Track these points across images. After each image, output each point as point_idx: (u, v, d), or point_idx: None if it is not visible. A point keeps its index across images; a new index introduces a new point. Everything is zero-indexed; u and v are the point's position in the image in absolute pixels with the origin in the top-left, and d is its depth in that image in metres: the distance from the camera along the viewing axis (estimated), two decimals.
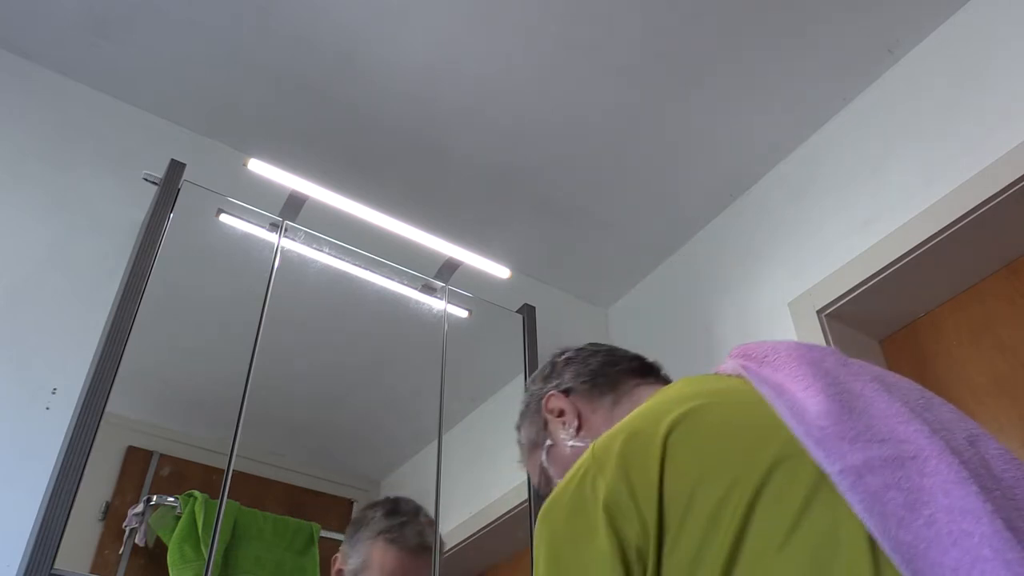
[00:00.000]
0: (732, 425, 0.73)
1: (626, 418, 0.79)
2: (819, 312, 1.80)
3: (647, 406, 0.80)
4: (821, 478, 0.64)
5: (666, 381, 1.05)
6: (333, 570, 1.43)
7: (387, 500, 1.50)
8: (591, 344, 1.11)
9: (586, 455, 0.76)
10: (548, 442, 1.03)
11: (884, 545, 0.58)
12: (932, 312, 1.76)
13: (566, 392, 1.03)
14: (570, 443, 0.99)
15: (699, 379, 0.87)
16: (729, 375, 0.85)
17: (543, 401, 1.05)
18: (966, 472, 0.61)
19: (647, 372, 1.05)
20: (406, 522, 1.43)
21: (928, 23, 1.77)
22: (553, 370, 1.08)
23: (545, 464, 1.03)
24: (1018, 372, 1.55)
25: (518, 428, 1.11)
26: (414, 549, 1.42)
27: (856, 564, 0.58)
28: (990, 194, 1.53)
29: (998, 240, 1.60)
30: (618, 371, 1.04)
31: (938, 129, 1.70)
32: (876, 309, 1.77)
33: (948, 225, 1.59)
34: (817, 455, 0.65)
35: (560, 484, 0.77)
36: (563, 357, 1.09)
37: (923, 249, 1.64)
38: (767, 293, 1.99)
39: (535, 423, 1.06)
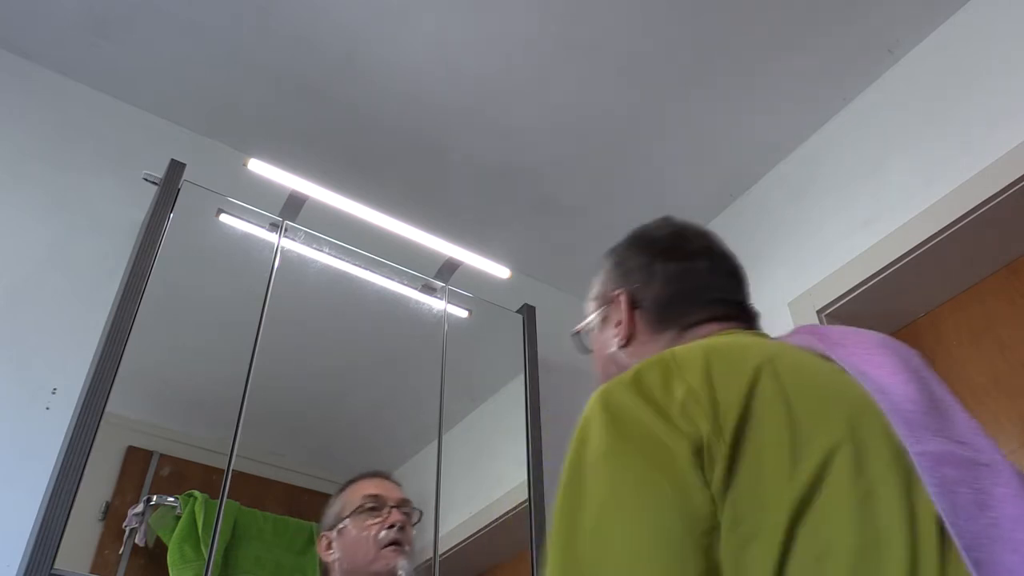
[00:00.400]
0: (815, 381, 0.72)
1: (702, 345, 0.76)
2: (819, 312, 1.80)
3: (727, 342, 0.77)
4: (900, 453, 0.65)
5: (753, 327, 0.95)
6: (320, 548, 1.47)
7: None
8: (694, 240, 0.99)
9: (663, 356, 0.74)
10: (599, 320, 0.99)
11: (951, 530, 0.60)
12: (932, 312, 1.76)
13: (634, 304, 0.94)
14: (612, 348, 0.95)
15: (764, 339, 0.86)
16: (797, 346, 0.82)
17: (616, 294, 0.97)
18: None
19: (733, 318, 0.93)
20: (370, 472, 1.55)
21: (928, 23, 1.77)
22: (641, 270, 0.96)
23: (591, 333, 1.01)
24: (1018, 372, 1.55)
25: (599, 277, 1.04)
26: (376, 473, 1.54)
27: (926, 541, 0.60)
28: (990, 194, 1.53)
29: (998, 240, 1.60)
30: (700, 307, 0.92)
31: (938, 129, 1.70)
32: (876, 309, 1.77)
33: (948, 225, 1.59)
34: (901, 431, 0.66)
35: (630, 371, 0.74)
36: (663, 266, 0.96)
37: (923, 249, 1.64)
38: (767, 293, 1.99)
39: (600, 298, 1.00)
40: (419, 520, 1.53)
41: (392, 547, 1.41)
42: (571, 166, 2.09)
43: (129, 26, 1.77)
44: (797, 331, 0.87)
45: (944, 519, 0.60)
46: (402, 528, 1.44)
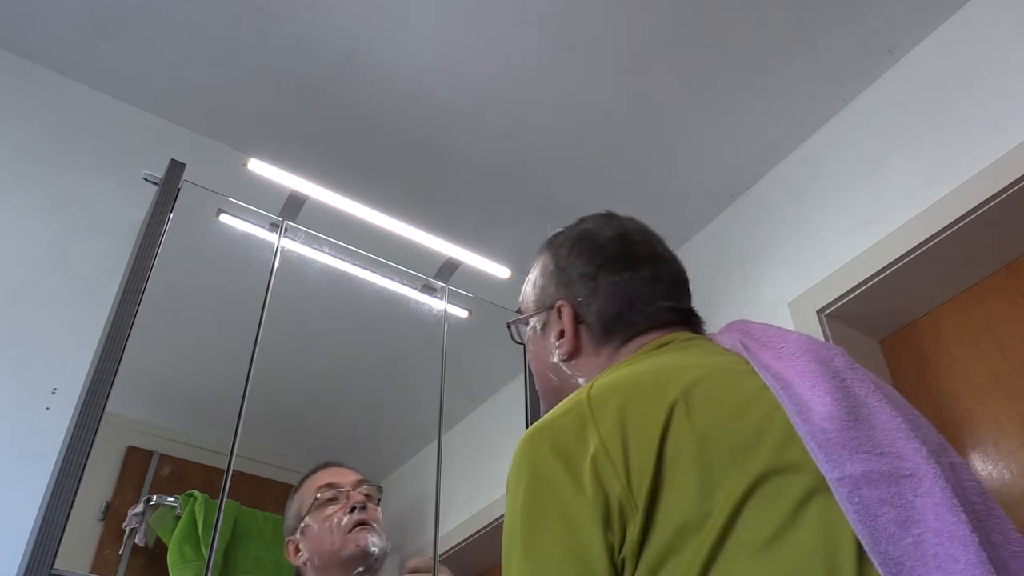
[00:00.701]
0: (733, 408, 0.71)
1: (625, 376, 0.76)
2: (819, 312, 1.80)
3: (649, 370, 0.77)
4: (819, 480, 0.64)
5: (697, 331, 0.95)
6: (289, 551, 1.46)
7: None
8: (638, 244, 0.97)
9: (580, 398, 0.74)
10: (538, 327, 0.97)
11: (873, 559, 0.59)
12: (932, 312, 1.76)
13: (579, 318, 0.93)
14: (554, 359, 0.93)
15: (695, 350, 0.85)
16: (727, 350, 0.83)
17: (557, 303, 0.95)
18: (956, 500, 0.62)
19: (675, 324, 0.93)
20: (320, 464, 1.54)
21: (928, 23, 1.77)
22: (583, 283, 0.94)
23: (528, 332, 0.99)
24: (1018, 372, 1.55)
25: (531, 282, 1.03)
26: (328, 463, 1.53)
27: (845, 568, 0.59)
28: (990, 194, 1.53)
29: (998, 240, 1.60)
30: (643, 317, 0.91)
31: (938, 129, 1.70)
32: (876, 309, 1.77)
33: (948, 225, 1.59)
34: (818, 458, 0.65)
35: (549, 416, 0.75)
36: (604, 272, 0.94)
37: (923, 249, 1.64)
38: (767, 293, 1.99)
39: (540, 302, 0.98)
40: (380, 495, 1.51)
41: (358, 527, 1.39)
42: (571, 166, 2.09)
43: (129, 26, 1.77)
44: (727, 329, 0.87)
45: (865, 546, 0.59)
46: (364, 507, 1.42)
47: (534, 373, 0.99)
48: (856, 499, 0.61)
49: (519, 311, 1.04)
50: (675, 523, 0.63)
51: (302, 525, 1.43)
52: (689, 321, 0.95)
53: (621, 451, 0.67)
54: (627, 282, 0.93)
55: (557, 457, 0.70)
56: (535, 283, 1.01)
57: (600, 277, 0.94)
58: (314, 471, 1.52)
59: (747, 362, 0.77)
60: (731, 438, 0.68)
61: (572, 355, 0.92)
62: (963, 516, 0.60)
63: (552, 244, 1.03)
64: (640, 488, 0.65)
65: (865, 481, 0.62)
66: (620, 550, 0.64)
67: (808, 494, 0.63)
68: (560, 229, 1.05)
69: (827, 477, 0.63)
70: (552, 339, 0.94)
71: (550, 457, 0.70)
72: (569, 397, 0.76)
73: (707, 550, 0.61)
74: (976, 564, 0.56)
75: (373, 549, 1.38)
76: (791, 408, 0.69)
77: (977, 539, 0.58)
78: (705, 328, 0.97)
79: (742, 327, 0.86)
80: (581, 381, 0.91)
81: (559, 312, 0.94)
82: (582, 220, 1.04)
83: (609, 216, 1.03)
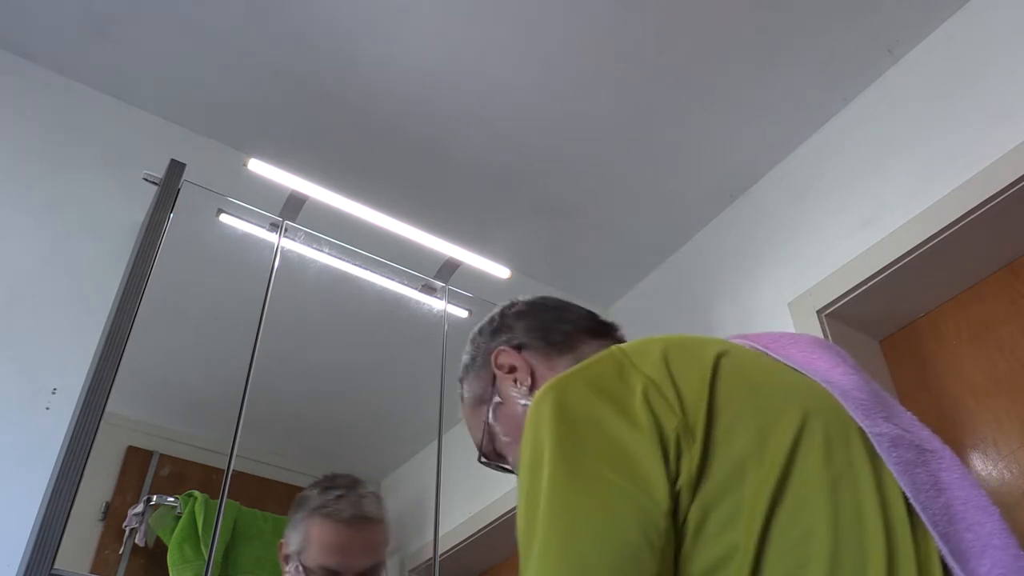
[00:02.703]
0: (771, 369, 0.73)
1: (654, 337, 0.76)
2: (819, 312, 1.80)
3: (671, 336, 0.77)
4: (860, 433, 0.67)
5: (621, 341, 0.96)
6: (280, 556, 1.37)
7: (325, 477, 1.43)
8: (540, 297, 1.02)
9: (608, 352, 0.73)
10: (496, 399, 0.94)
11: (917, 507, 0.62)
12: (932, 312, 1.76)
13: (518, 348, 0.94)
14: (522, 401, 0.91)
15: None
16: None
17: (492, 356, 0.95)
18: (972, 478, 0.66)
19: (603, 331, 0.96)
20: (341, 495, 1.36)
21: (928, 23, 1.77)
22: (502, 323, 0.98)
23: (491, 422, 0.95)
24: (1018, 372, 1.55)
25: (460, 381, 1.02)
26: (348, 520, 1.34)
27: (898, 513, 0.62)
28: (990, 194, 1.53)
29: (998, 240, 1.60)
30: (573, 328, 0.95)
31: (938, 129, 1.70)
32: (876, 309, 1.77)
33: (948, 225, 1.59)
34: (856, 415, 0.68)
35: (576, 367, 0.73)
36: (513, 310, 0.99)
37: (923, 249, 1.64)
38: (767, 293, 1.99)
39: (481, 378, 0.97)
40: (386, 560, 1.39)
41: None
42: (571, 166, 2.09)
43: (129, 26, 1.77)
44: (732, 338, 0.87)
45: (910, 497, 0.63)
46: None
47: (519, 445, 0.94)
48: (895, 453, 0.65)
49: (480, 443, 1.00)
50: (733, 459, 0.63)
51: (291, 567, 1.34)
52: (615, 334, 0.97)
53: (672, 386, 0.67)
54: (530, 312, 0.98)
55: (599, 396, 0.68)
56: (469, 374, 1.00)
57: (507, 323, 0.98)
58: (332, 515, 1.35)
59: (764, 352, 0.79)
60: (778, 390, 0.69)
61: (534, 380, 0.91)
62: (983, 492, 0.65)
63: (462, 369, 1.03)
64: (697, 419, 0.64)
65: (899, 443, 0.66)
66: (676, 482, 0.62)
67: (858, 445, 0.66)
68: None
69: (867, 430, 0.66)
70: (510, 389, 0.93)
71: (590, 396, 0.68)
72: (590, 357, 0.75)
73: (772, 487, 0.61)
74: (1002, 530, 0.61)
75: None
76: (819, 377, 0.72)
77: (998, 511, 0.63)
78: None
79: (741, 336, 0.87)
80: None
81: (496, 365, 0.94)
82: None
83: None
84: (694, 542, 0.61)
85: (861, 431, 0.67)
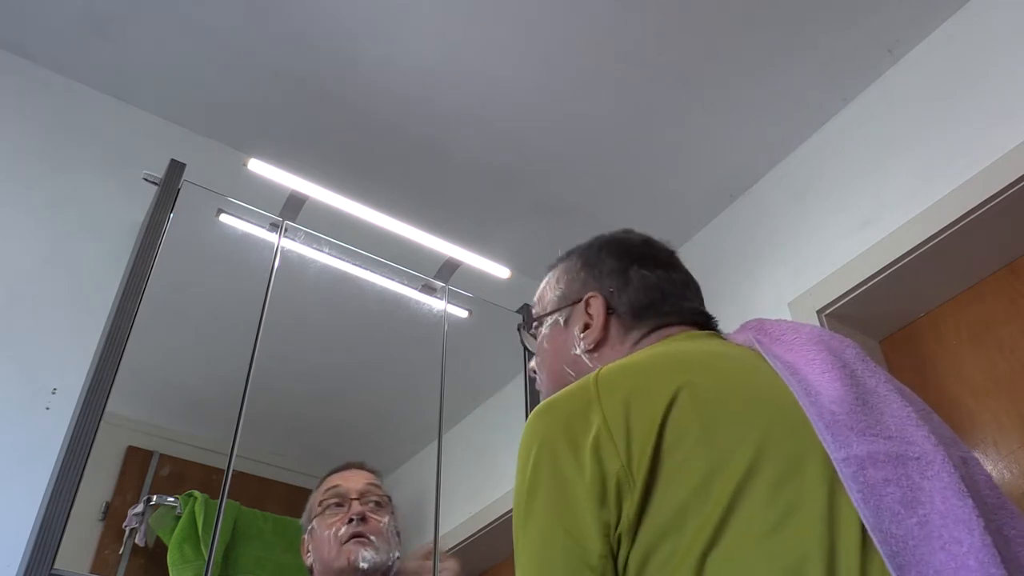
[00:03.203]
0: (741, 394, 0.72)
1: (635, 360, 0.78)
2: (819, 312, 1.80)
3: (659, 355, 0.78)
4: (826, 463, 0.65)
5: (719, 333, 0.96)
6: (303, 556, 1.45)
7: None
8: (663, 251, 0.99)
9: (588, 381, 0.75)
10: (560, 320, 0.96)
11: (875, 537, 0.59)
12: (932, 312, 1.76)
13: (609, 309, 0.93)
14: (574, 350, 0.93)
15: (708, 341, 0.87)
16: (739, 344, 0.84)
17: (587, 296, 0.94)
18: (964, 486, 0.62)
19: (693, 324, 0.93)
20: (340, 465, 1.53)
21: (928, 23, 1.77)
22: (620, 267, 0.95)
23: (545, 331, 0.98)
24: (1018, 372, 1.55)
25: (550, 268, 1.02)
26: (344, 467, 1.51)
27: (847, 551, 0.59)
28: (990, 194, 1.53)
29: (998, 240, 1.60)
30: (667, 313, 0.92)
31: (938, 129, 1.70)
32: (876, 309, 1.77)
33: (948, 225, 1.59)
34: (824, 438, 0.66)
35: (558, 395, 0.76)
36: (640, 268, 0.95)
37: (923, 249, 1.63)
38: (767, 293, 1.99)
39: (565, 298, 0.97)
40: (390, 503, 1.49)
41: (353, 540, 1.38)
42: (571, 166, 2.09)
43: (129, 26, 1.77)
44: (742, 328, 0.88)
45: (867, 525, 0.60)
46: (363, 519, 1.41)
47: (546, 373, 0.97)
48: (861, 478, 0.62)
49: (525, 317, 1.04)
50: (675, 503, 0.64)
51: (310, 527, 1.44)
52: (706, 324, 0.95)
53: (623, 430, 0.68)
54: (659, 278, 0.95)
55: (562, 435, 0.71)
56: (556, 283, 1.01)
57: (632, 271, 0.95)
58: (332, 472, 1.51)
59: (759, 355, 0.79)
60: (736, 423, 0.68)
61: (597, 346, 0.92)
62: (969, 502, 0.60)
63: (575, 249, 1.03)
64: (640, 466, 0.66)
65: (871, 462, 0.63)
66: (616, 527, 0.65)
67: (814, 477, 0.64)
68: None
69: (832, 457, 0.64)
70: (576, 332, 0.94)
71: (556, 434, 0.72)
72: (579, 380, 0.77)
73: (709, 531, 0.61)
74: (981, 548, 0.57)
75: (363, 564, 1.36)
76: (799, 391, 0.70)
77: (983, 524, 0.59)
78: (719, 329, 0.97)
79: (756, 325, 0.87)
80: None
81: (587, 304, 0.94)
82: (602, 234, 1.05)
83: (630, 230, 1.05)
84: None
85: (826, 456, 0.65)
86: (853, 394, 0.70)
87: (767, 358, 0.77)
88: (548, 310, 0.99)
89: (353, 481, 1.48)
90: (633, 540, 0.64)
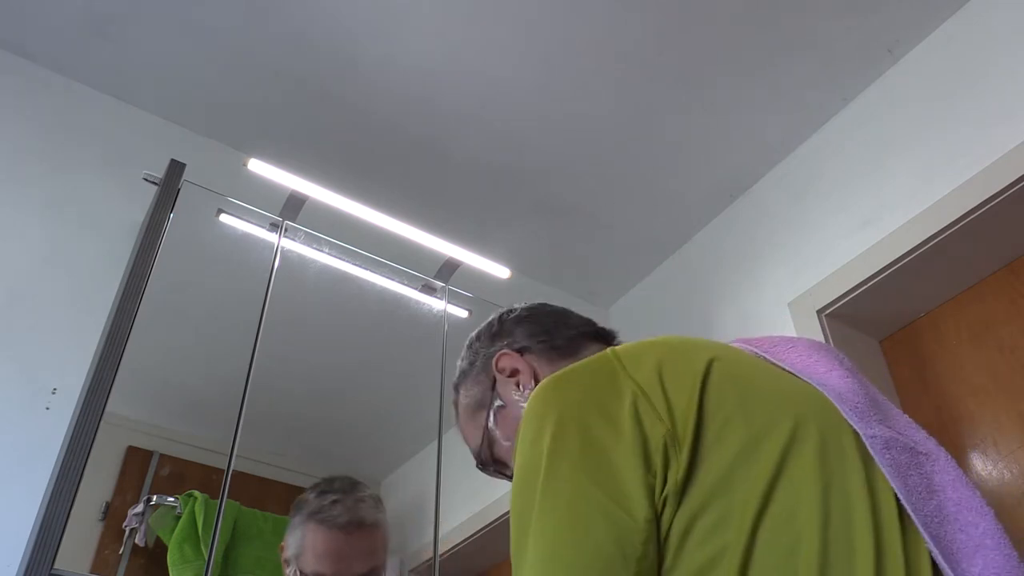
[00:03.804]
0: (764, 374, 0.73)
1: (647, 341, 0.76)
2: (819, 312, 1.80)
3: (668, 339, 0.77)
4: (857, 437, 0.67)
5: None
6: (282, 558, 1.37)
7: (323, 480, 1.43)
8: (539, 303, 1.02)
9: (602, 355, 0.73)
10: (498, 403, 0.94)
11: (909, 509, 0.62)
12: (932, 312, 1.76)
13: (520, 351, 0.94)
14: (524, 405, 0.89)
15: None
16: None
17: (493, 360, 0.94)
18: (967, 479, 0.67)
19: (603, 337, 0.97)
20: (337, 500, 1.36)
21: (928, 23, 1.77)
22: (501, 328, 0.98)
23: (491, 426, 0.94)
24: (1018, 372, 1.55)
25: (456, 388, 1.01)
26: (344, 526, 1.33)
27: (888, 520, 0.62)
28: (990, 194, 1.53)
29: (998, 240, 1.60)
30: (575, 333, 0.95)
31: (938, 129, 1.70)
32: (876, 309, 1.77)
33: (948, 225, 1.59)
34: (851, 417, 0.68)
35: (574, 368, 0.74)
36: (512, 316, 0.99)
37: (923, 249, 1.64)
38: (767, 293, 1.99)
39: (481, 383, 0.96)
40: (386, 549, 1.38)
41: None
42: (571, 166, 2.09)
43: (129, 26, 1.77)
44: (732, 343, 0.88)
45: (901, 499, 0.63)
46: None
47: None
48: (888, 456, 0.65)
49: (478, 451, 1.00)
50: (721, 466, 0.63)
51: (293, 553, 1.35)
52: (615, 341, 0.97)
53: (661, 394, 0.67)
54: (530, 317, 0.99)
55: (590, 402, 0.69)
56: (467, 379, 0.99)
57: (506, 327, 0.98)
58: (327, 522, 1.33)
59: (759, 355, 0.80)
60: (769, 397, 0.69)
61: (537, 383, 0.91)
62: (978, 492, 0.65)
63: (458, 373, 1.03)
64: (685, 430, 0.65)
65: (893, 445, 0.66)
66: (662, 491, 0.63)
67: (851, 449, 0.66)
68: None
69: (861, 433, 0.67)
70: (512, 393, 0.93)
71: (581, 402, 0.69)
72: (585, 359, 0.75)
73: (760, 494, 0.61)
74: (995, 531, 0.61)
75: None
76: (814, 380, 0.72)
77: (993, 511, 0.63)
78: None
79: (742, 340, 0.87)
80: None
81: (497, 364, 0.94)
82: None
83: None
84: (679, 548, 0.61)
85: (855, 434, 0.67)
86: (863, 390, 0.72)
87: (771, 360, 0.77)
88: (477, 413, 0.97)
89: (350, 561, 1.33)
90: (678, 505, 0.62)
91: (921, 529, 0.61)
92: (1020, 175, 1.49)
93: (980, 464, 1.56)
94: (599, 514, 0.62)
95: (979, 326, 1.65)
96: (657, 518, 0.62)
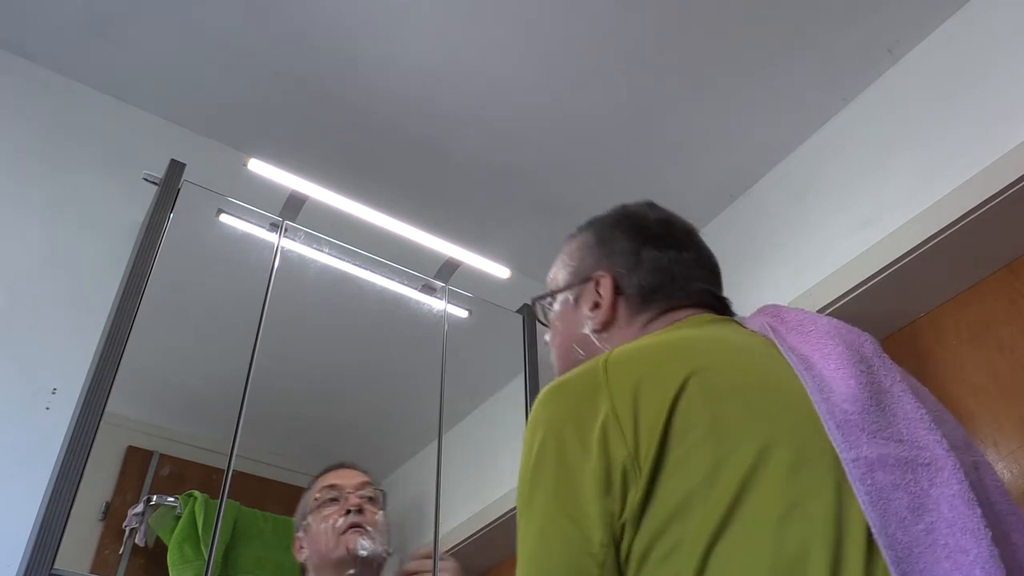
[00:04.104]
0: (750, 384, 0.71)
1: (645, 345, 0.77)
2: (819, 312, 1.79)
3: (669, 341, 0.78)
4: (835, 460, 0.64)
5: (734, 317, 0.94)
6: (293, 543, 1.48)
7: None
8: (680, 230, 0.97)
9: (596, 364, 0.74)
10: (571, 298, 0.95)
11: (880, 542, 0.58)
12: (932, 312, 1.76)
13: (618, 290, 0.92)
14: (583, 329, 0.92)
15: (721, 327, 0.86)
16: (753, 332, 0.83)
17: (596, 275, 0.94)
18: (974, 494, 0.61)
19: (708, 307, 0.92)
20: (332, 465, 1.55)
21: (928, 23, 1.77)
22: (631, 247, 0.94)
23: (556, 308, 0.97)
24: (1018, 372, 1.55)
25: (562, 260, 1.01)
26: (338, 464, 1.54)
27: (853, 552, 0.59)
28: (990, 194, 1.53)
29: (998, 240, 1.60)
30: (680, 296, 0.91)
31: (938, 129, 1.70)
32: (876, 309, 1.77)
33: (948, 225, 1.59)
34: (835, 437, 0.65)
35: (566, 376, 0.75)
36: (650, 246, 0.93)
37: (923, 249, 1.63)
38: (767, 293, 1.98)
39: (577, 274, 0.96)
40: (383, 498, 1.53)
41: (351, 530, 1.41)
42: (571, 166, 2.09)
43: (129, 26, 1.77)
44: (758, 313, 0.87)
45: (873, 530, 0.59)
46: (360, 510, 1.44)
47: (557, 350, 0.98)
48: (869, 481, 0.61)
49: (541, 295, 1.03)
50: (680, 492, 0.63)
51: (304, 523, 1.45)
52: (723, 308, 0.94)
53: (631, 418, 0.67)
54: (671, 260, 0.93)
55: (569, 419, 0.70)
56: (570, 258, 1.00)
57: (644, 252, 0.93)
58: (324, 471, 1.53)
59: (772, 344, 0.77)
60: (745, 414, 0.67)
61: (605, 326, 0.91)
62: (978, 511, 0.60)
63: (594, 221, 1.01)
64: (647, 454, 0.65)
65: (880, 465, 0.63)
66: (621, 515, 0.64)
67: (823, 474, 0.63)
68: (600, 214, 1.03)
69: (842, 457, 0.63)
70: (585, 310, 0.93)
71: (563, 418, 0.71)
72: (588, 361, 0.76)
73: (716, 521, 0.61)
74: (988, 559, 0.56)
75: (362, 552, 1.39)
76: (812, 387, 0.69)
77: (990, 534, 0.58)
78: (735, 313, 0.96)
79: (773, 311, 0.85)
80: None
81: (597, 283, 0.93)
82: (624, 206, 1.02)
83: (652, 204, 1.02)
84: (637, 573, 0.63)
85: (835, 455, 0.64)
86: (867, 393, 0.69)
87: (781, 349, 0.75)
88: (560, 286, 0.99)
89: (348, 477, 1.51)
90: (637, 529, 0.63)
91: (891, 566, 0.57)
92: (1020, 175, 1.49)
93: None
94: (560, 538, 0.66)
95: (979, 326, 1.65)
96: (616, 543, 0.64)
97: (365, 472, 1.55)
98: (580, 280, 0.96)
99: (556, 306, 0.98)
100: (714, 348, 0.76)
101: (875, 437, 0.65)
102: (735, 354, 0.76)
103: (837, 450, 0.64)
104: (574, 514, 0.65)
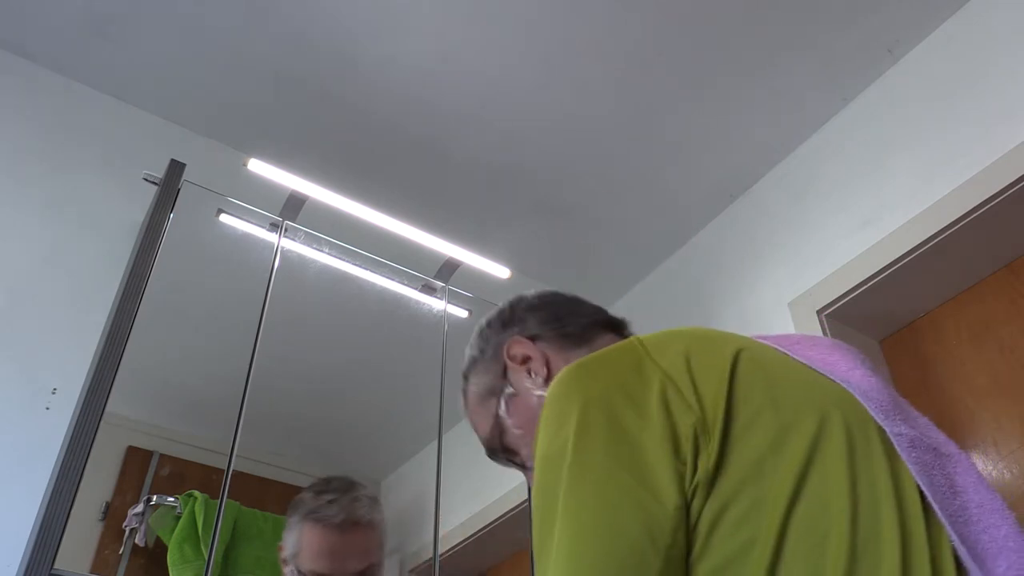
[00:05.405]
0: (788, 366, 0.72)
1: (675, 329, 0.76)
2: (819, 312, 1.80)
3: (694, 329, 0.77)
4: (880, 433, 0.67)
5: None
6: (280, 558, 1.38)
7: (320, 480, 1.43)
8: (550, 291, 1.01)
9: (627, 343, 0.73)
10: (509, 390, 0.92)
11: (935, 506, 0.62)
12: (932, 312, 1.76)
13: (532, 339, 0.93)
14: (537, 392, 0.89)
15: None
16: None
17: (504, 347, 0.93)
18: (987, 482, 0.67)
19: (615, 326, 0.96)
20: (333, 500, 1.36)
21: (928, 23, 1.77)
22: (513, 315, 0.97)
23: (502, 414, 0.92)
24: (1018, 372, 1.55)
25: (466, 376, 0.98)
26: (340, 525, 1.34)
27: (912, 513, 0.62)
28: (990, 194, 1.53)
29: (998, 240, 1.60)
30: (588, 321, 0.94)
31: (938, 129, 1.70)
32: (876, 309, 1.77)
33: (948, 225, 1.59)
34: (876, 414, 0.67)
35: (598, 355, 0.72)
36: (524, 303, 0.98)
37: (923, 249, 1.64)
38: (767, 293, 1.99)
39: (491, 370, 0.94)
40: (382, 550, 1.39)
41: None
42: (571, 166, 2.09)
43: (129, 26, 1.77)
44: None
45: (928, 495, 0.62)
46: None
47: (532, 438, 0.91)
48: (914, 455, 0.65)
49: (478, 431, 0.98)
50: (752, 455, 0.63)
51: (291, 552, 1.35)
52: (626, 330, 0.96)
53: (690, 383, 0.66)
54: (543, 304, 0.98)
55: (616, 389, 0.68)
56: (477, 366, 0.98)
57: (524, 314, 0.97)
58: (324, 520, 1.34)
59: (782, 351, 0.78)
60: (796, 388, 0.69)
61: (549, 370, 0.90)
62: (999, 495, 0.65)
63: (467, 363, 1.01)
64: (715, 417, 0.64)
65: (918, 443, 0.66)
66: (692, 479, 0.62)
67: (876, 444, 0.66)
68: None
69: (888, 430, 0.66)
70: (524, 380, 0.91)
71: (607, 388, 0.68)
72: (608, 347, 0.74)
73: (791, 484, 0.61)
74: (1016, 534, 0.61)
75: None
76: (839, 378, 0.71)
77: (1014, 515, 0.63)
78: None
79: (760, 337, 0.86)
80: None
81: (509, 352, 0.93)
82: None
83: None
84: (709, 537, 0.61)
85: (880, 430, 0.67)
86: (886, 390, 0.72)
87: (791, 355, 0.76)
88: (487, 401, 0.95)
89: (346, 560, 1.34)
90: (709, 492, 0.62)
91: (947, 527, 0.61)
92: (1020, 175, 1.49)
93: (980, 464, 1.55)
94: (628, 500, 0.61)
95: (979, 326, 1.66)
96: (687, 506, 0.61)
97: (372, 529, 1.38)
98: (498, 370, 0.94)
99: (508, 414, 0.92)
100: (741, 338, 0.77)
101: (905, 422, 0.68)
102: (760, 346, 0.76)
103: (880, 424, 0.67)
104: (642, 478, 0.62)
